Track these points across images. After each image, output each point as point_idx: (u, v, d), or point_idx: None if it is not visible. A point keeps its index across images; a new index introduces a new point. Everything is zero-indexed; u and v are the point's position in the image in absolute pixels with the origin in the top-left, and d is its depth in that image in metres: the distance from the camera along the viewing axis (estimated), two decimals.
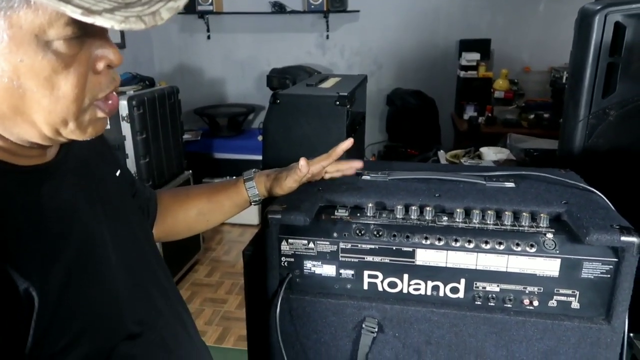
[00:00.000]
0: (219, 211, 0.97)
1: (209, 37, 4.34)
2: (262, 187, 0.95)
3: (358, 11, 4.06)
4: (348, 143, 0.92)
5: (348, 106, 1.50)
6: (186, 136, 3.59)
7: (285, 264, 0.87)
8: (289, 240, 0.85)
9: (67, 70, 0.51)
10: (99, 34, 0.53)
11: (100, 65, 0.54)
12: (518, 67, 3.92)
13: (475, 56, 3.68)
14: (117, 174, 0.78)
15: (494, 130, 3.31)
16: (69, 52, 0.50)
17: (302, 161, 0.88)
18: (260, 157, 1.55)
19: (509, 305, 0.81)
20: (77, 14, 0.44)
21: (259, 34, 4.27)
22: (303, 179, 0.91)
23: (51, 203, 0.58)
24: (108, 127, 0.81)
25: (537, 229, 0.81)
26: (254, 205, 0.97)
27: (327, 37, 4.20)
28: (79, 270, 0.57)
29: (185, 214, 0.97)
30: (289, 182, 0.91)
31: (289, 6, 4.08)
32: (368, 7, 4.05)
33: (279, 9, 4.07)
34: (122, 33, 3.71)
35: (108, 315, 0.61)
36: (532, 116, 3.39)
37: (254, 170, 0.97)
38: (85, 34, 0.51)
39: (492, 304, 0.82)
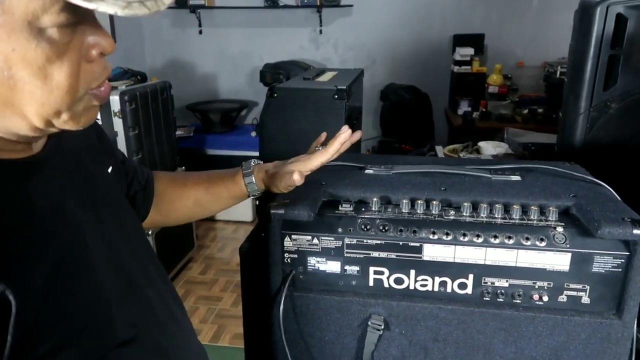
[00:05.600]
0: (217, 202, 0.95)
1: (200, 32, 4.29)
2: (261, 183, 0.91)
3: (351, 6, 4.03)
4: (345, 135, 0.81)
5: (346, 100, 1.48)
6: (178, 132, 3.55)
7: (289, 260, 0.84)
8: (293, 236, 0.83)
9: (60, 59, 0.48)
10: (92, 20, 0.51)
11: (94, 53, 0.52)
12: (512, 62, 3.92)
13: (469, 51, 3.68)
14: (109, 170, 0.75)
15: (489, 126, 3.30)
16: (62, 40, 0.48)
17: (297, 175, 0.79)
18: (253, 153, 1.53)
19: (518, 301, 0.79)
20: (78, 0, 0.42)
21: (251, 28, 4.23)
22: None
23: (35, 200, 0.55)
24: (99, 118, 0.78)
25: (547, 223, 0.79)
26: (252, 197, 0.94)
27: (321, 32, 4.16)
28: (64, 273, 0.54)
29: (181, 203, 0.94)
30: (282, 186, 0.84)
31: (282, 1, 4.04)
32: (361, 2, 4.03)
33: (272, 3, 4.03)
34: (112, 27, 3.65)
35: (97, 320, 0.58)
36: (526, 111, 3.39)
37: (252, 162, 0.92)
38: (78, 21, 0.49)
39: (501, 299, 0.80)
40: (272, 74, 3.68)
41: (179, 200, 0.95)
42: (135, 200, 0.87)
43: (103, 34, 0.52)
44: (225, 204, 0.95)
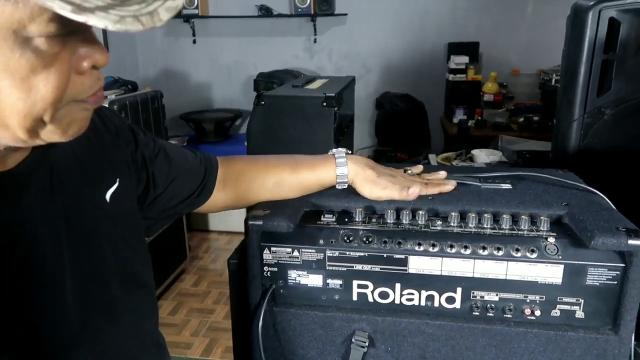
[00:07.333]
0: (299, 185, 0.89)
1: (194, 41, 4.28)
2: (352, 175, 0.86)
3: (346, 14, 4.03)
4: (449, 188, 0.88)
5: (335, 107, 1.45)
6: (172, 142, 3.52)
7: (268, 274, 0.80)
8: (272, 249, 0.79)
9: (47, 70, 0.45)
10: (84, 30, 0.47)
11: (85, 65, 0.48)
12: (507, 70, 3.90)
13: (464, 59, 3.66)
14: (109, 194, 0.69)
15: (484, 134, 3.27)
16: (50, 51, 0.44)
17: (416, 188, 0.84)
18: None
19: (509, 316, 0.75)
20: (66, 11, 0.38)
21: (245, 37, 4.22)
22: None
23: None
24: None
25: (538, 233, 0.75)
26: (338, 187, 0.89)
27: (315, 40, 4.15)
28: (12, 295, 0.51)
29: (261, 182, 0.90)
30: (373, 195, 0.84)
31: (276, 10, 4.03)
32: (356, 11, 4.02)
33: (266, 12, 4.02)
34: (104, 35, 3.63)
35: (47, 351, 0.54)
36: (521, 119, 3.36)
37: (344, 151, 0.88)
38: (69, 32, 0.45)
39: (491, 314, 0.76)
40: (266, 83, 3.66)
41: (260, 179, 0.90)
42: (186, 193, 0.87)
43: (97, 46, 0.49)
44: (307, 190, 0.90)
